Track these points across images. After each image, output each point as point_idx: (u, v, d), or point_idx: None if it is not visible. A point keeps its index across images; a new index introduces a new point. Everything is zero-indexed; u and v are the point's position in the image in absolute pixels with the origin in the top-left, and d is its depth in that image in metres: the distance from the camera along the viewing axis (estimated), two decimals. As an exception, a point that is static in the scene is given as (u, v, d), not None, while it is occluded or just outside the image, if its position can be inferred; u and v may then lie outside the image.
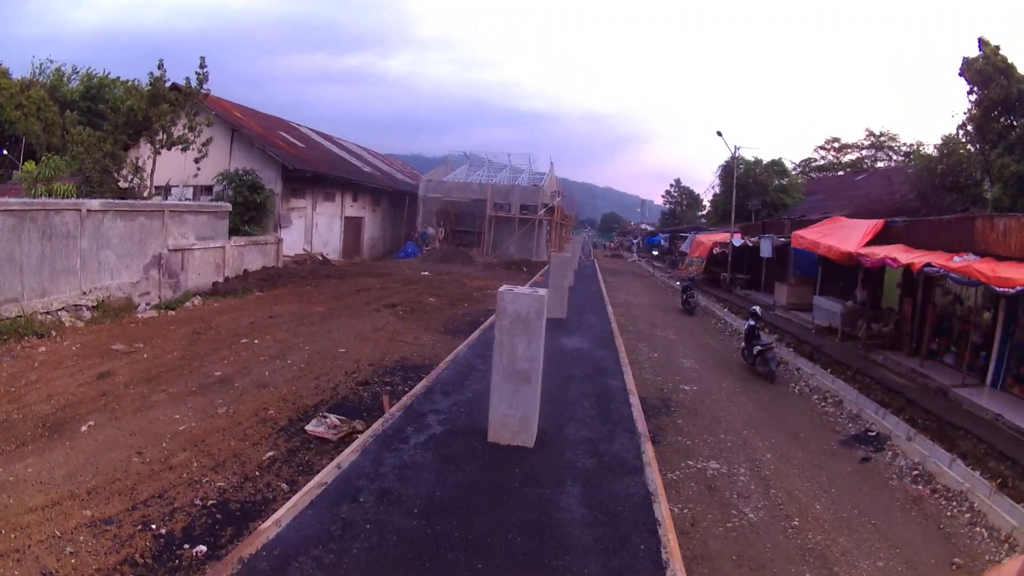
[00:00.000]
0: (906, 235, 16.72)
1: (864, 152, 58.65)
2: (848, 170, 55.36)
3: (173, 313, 16.89)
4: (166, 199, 26.10)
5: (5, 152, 38.46)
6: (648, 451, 7.47)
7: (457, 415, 8.34)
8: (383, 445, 7.07)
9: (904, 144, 54.99)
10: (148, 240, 18.45)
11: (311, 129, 44.65)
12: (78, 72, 54.88)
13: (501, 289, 7.18)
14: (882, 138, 57.04)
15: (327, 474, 6.26)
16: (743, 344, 16.35)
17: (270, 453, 8.01)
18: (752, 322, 16.03)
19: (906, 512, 8.56)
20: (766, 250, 25.97)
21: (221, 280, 21.56)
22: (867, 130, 57.30)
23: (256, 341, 13.74)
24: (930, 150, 41.52)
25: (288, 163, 29.23)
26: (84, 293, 16.00)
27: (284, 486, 7.15)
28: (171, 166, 25.82)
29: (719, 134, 34.39)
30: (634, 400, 9.78)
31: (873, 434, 11.44)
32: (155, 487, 6.87)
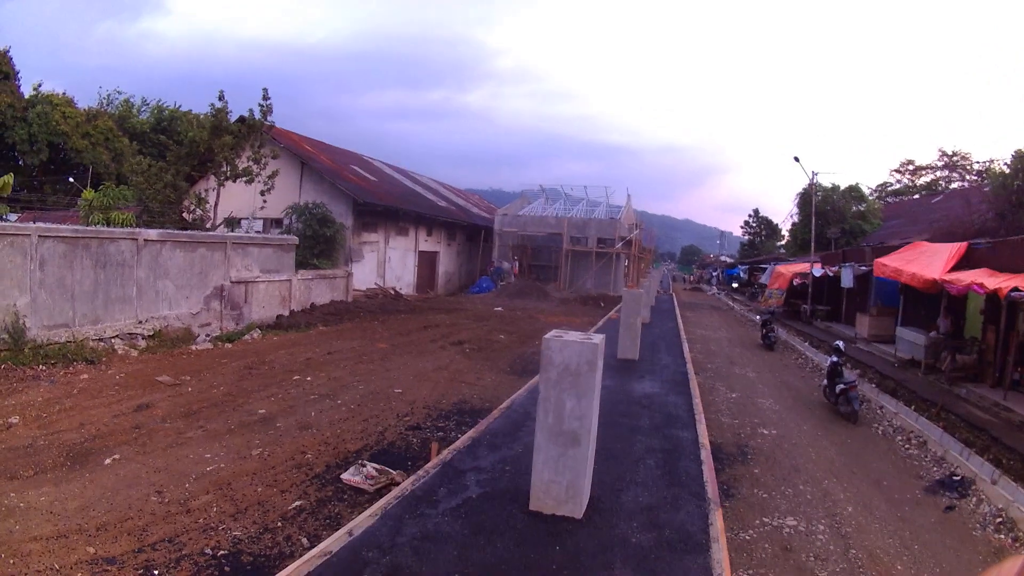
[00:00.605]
0: (990, 258, 15.51)
1: (938, 173, 56.64)
2: (923, 193, 53.40)
3: (230, 346, 16.08)
4: (232, 231, 25.74)
5: (72, 180, 38.99)
6: (717, 522, 6.19)
7: (500, 475, 7.16)
8: (407, 509, 6.00)
9: (977, 162, 53.21)
10: (209, 271, 18.07)
11: (384, 163, 44.43)
12: (148, 104, 56.02)
13: (548, 336, 6.02)
14: (955, 157, 54.89)
15: (335, 541, 5.22)
16: (825, 382, 14.91)
17: (298, 503, 6.91)
18: (835, 358, 14.57)
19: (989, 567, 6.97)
20: (847, 280, 24.58)
21: (286, 313, 20.87)
22: (940, 150, 55.45)
23: (309, 378, 12.75)
24: (1002, 167, 39.34)
25: (359, 196, 28.57)
26: (140, 322, 15.82)
27: (305, 540, 6.14)
28: (240, 199, 25.61)
29: (796, 160, 32.60)
30: (705, 456, 8.51)
31: (958, 478, 10.37)
32: (167, 530, 6.21)
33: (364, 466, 7.71)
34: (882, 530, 8.18)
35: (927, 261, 17.31)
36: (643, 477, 7.41)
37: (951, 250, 16.83)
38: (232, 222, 27.80)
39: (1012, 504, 8.91)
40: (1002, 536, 8.30)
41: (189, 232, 18.51)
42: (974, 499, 9.51)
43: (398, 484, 6.93)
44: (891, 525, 8.35)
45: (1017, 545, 8.03)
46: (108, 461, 7.74)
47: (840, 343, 15.23)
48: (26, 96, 43.48)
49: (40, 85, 44.56)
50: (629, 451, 8.37)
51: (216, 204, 22.38)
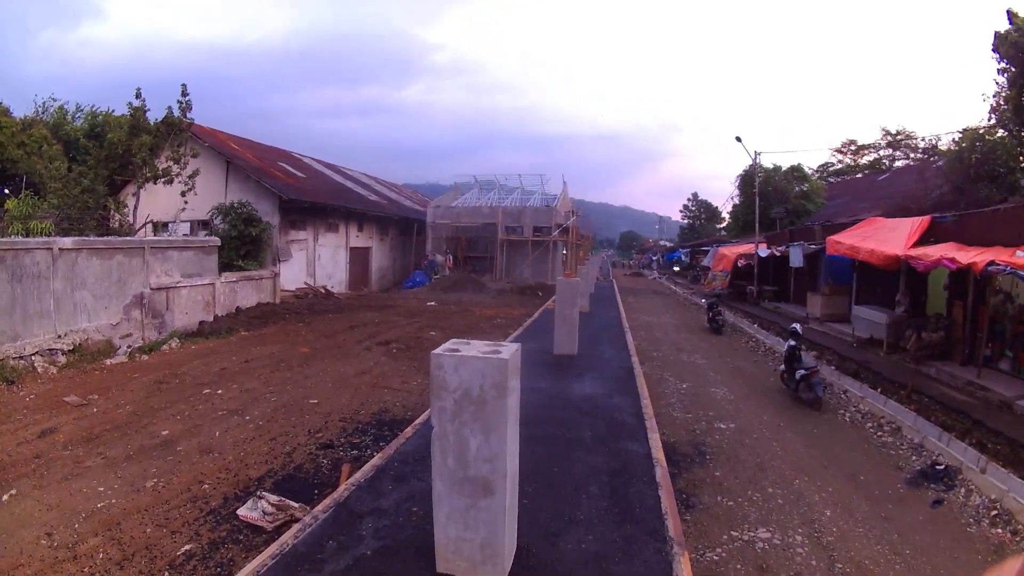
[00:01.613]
0: (956, 231, 15.19)
1: (882, 152, 57.62)
2: (867, 172, 54.40)
3: (147, 358, 15.56)
4: (156, 235, 25.07)
5: (7, 191, 37.75)
6: (685, 572, 4.98)
7: (405, 520, 5.71)
8: (284, 573, 4.85)
9: (922, 139, 54.05)
10: (128, 279, 17.46)
11: (314, 159, 43.70)
12: (82, 110, 54.39)
13: (438, 351, 4.51)
14: (899, 136, 55.88)
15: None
16: (783, 367, 14.51)
17: (188, 546, 6.47)
18: (792, 342, 14.18)
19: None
20: (796, 259, 24.51)
21: (211, 319, 20.33)
22: (883, 129, 56.45)
23: (220, 391, 12.29)
24: (946, 144, 40.40)
25: (284, 194, 27.99)
26: (59, 336, 15.17)
27: (188, 598, 5.68)
28: (166, 202, 24.96)
29: (738, 139, 33.01)
30: (662, 476, 6.99)
31: (941, 467, 9.78)
32: None
33: (262, 498, 7.22)
34: (867, 535, 7.68)
35: (885, 236, 17.14)
36: (587, 512, 5.97)
37: (912, 225, 16.56)
38: (157, 226, 27.13)
39: (1007, 494, 8.46)
40: (1000, 531, 7.87)
41: (105, 239, 17.80)
42: (963, 490, 9.07)
43: (297, 520, 6.47)
44: (876, 528, 7.86)
45: (1018, 540, 7.63)
46: (5, 498, 7.40)
47: (797, 325, 14.85)
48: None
49: (-28, 95, 43.11)
50: (568, 475, 6.91)
51: (136, 207, 21.73)
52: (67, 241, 15.84)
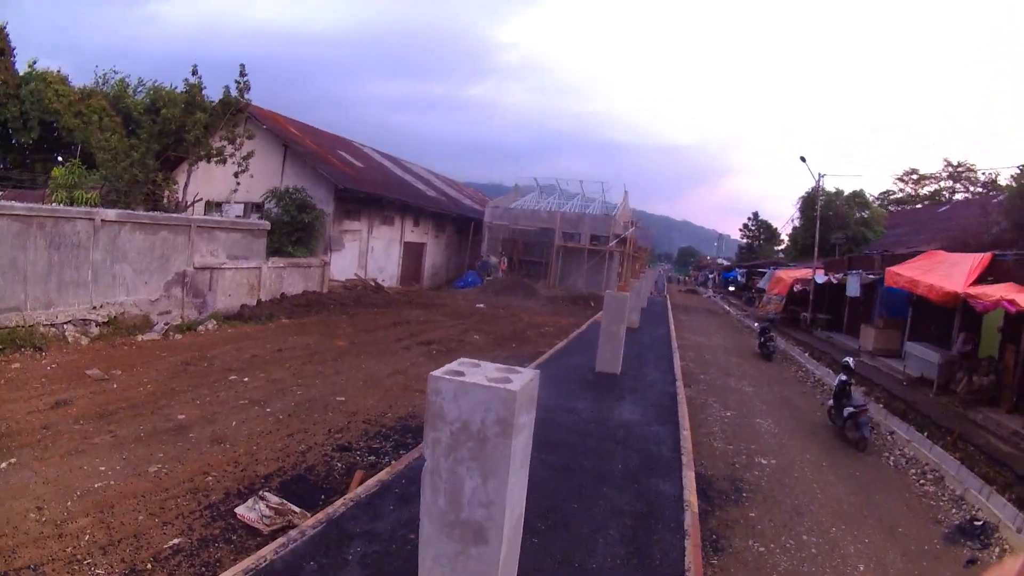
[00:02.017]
0: (1015, 271, 14.39)
1: (942, 184, 56.54)
2: (927, 202, 53.35)
3: (180, 337, 15.13)
4: (209, 215, 24.76)
5: (61, 159, 37.98)
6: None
7: (398, 549, 5.21)
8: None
9: (983, 173, 53.32)
10: (171, 256, 17.17)
11: (374, 149, 43.30)
12: (144, 84, 54.81)
13: (438, 373, 3.89)
14: (959, 168, 54.98)
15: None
16: (831, 402, 13.56)
17: (176, 540, 5.84)
18: (843, 377, 13.21)
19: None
20: (853, 288, 23.32)
21: (254, 303, 19.88)
22: (945, 160, 55.33)
23: (246, 379, 11.66)
24: (1006, 179, 38.56)
25: (339, 182, 27.45)
26: (95, 307, 14.94)
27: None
28: (222, 183, 24.71)
29: (803, 159, 31.29)
30: (691, 523, 6.33)
31: (979, 524, 9.02)
32: (32, 556, 5.39)
33: (263, 499, 6.55)
34: (898, 596, 6.93)
35: (945, 272, 16.26)
36: (600, 560, 5.36)
37: (973, 261, 15.78)
38: (211, 205, 26.93)
39: (1041, 561, 7.60)
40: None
41: (150, 214, 17.46)
42: (997, 550, 8.38)
43: (294, 526, 5.80)
44: None
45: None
46: (3, 465, 7.01)
47: (850, 360, 14.01)
48: (20, 73, 42.41)
49: (35, 63, 43.45)
50: (588, 514, 6.28)
51: (187, 185, 21.40)
52: (110, 213, 15.55)
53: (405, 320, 21.17)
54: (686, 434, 9.61)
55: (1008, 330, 14.63)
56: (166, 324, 16.05)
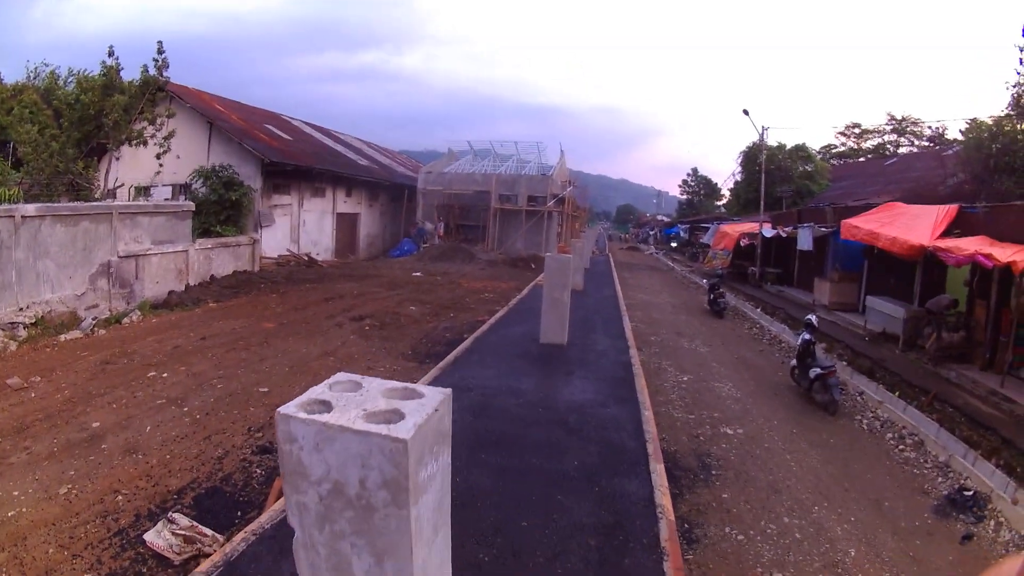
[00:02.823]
0: (986, 224, 14.16)
1: (886, 138, 56.99)
2: (870, 156, 53.82)
3: (104, 333, 14.73)
4: (133, 200, 24.14)
5: None
6: None
7: None
8: None
9: (929, 127, 53.54)
10: (94, 247, 16.74)
11: (305, 122, 42.42)
12: (74, 74, 53.06)
13: (288, 409, 2.53)
14: (903, 122, 55.21)
15: None
16: (794, 362, 13.33)
17: None
18: (807, 335, 12.89)
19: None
20: (805, 241, 23.36)
21: (182, 288, 19.55)
22: (889, 114, 55.79)
23: (165, 375, 11.39)
24: (953, 133, 39.24)
25: (266, 156, 26.86)
26: (21, 309, 14.55)
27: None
28: (148, 166, 24.11)
29: (746, 112, 31.36)
30: (668, 535, 5.29)
31: (970, 493, 8.78)
32: None
33: (172, 522, 6.27)
34: (897, 582, 6.70)
35: (906, 224, 16.05)
36: None
37: (938, 213, 15.54)
38: (140, 191, 26.29)
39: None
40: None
41: (70, 204, 17.06)
42: (992, 522, 8.10)
43: (205, 556, 5.55)
44: (906, 572, 6.85)
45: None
46: None
47: (813, 317, 13.62)
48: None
49: (-41, 64, 41.86)
50: (543, 535, 5.17)
51: (107, 171, 20.87)
52: (29, 208, 15.10)
53: (338, 294, 20.90)
54: (648, 414, 8.50)
55: (979, 286, 14.42)
56: (94, 319, 15.64)
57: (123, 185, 22.69)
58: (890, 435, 11.18)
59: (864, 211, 19.39)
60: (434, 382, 9.15)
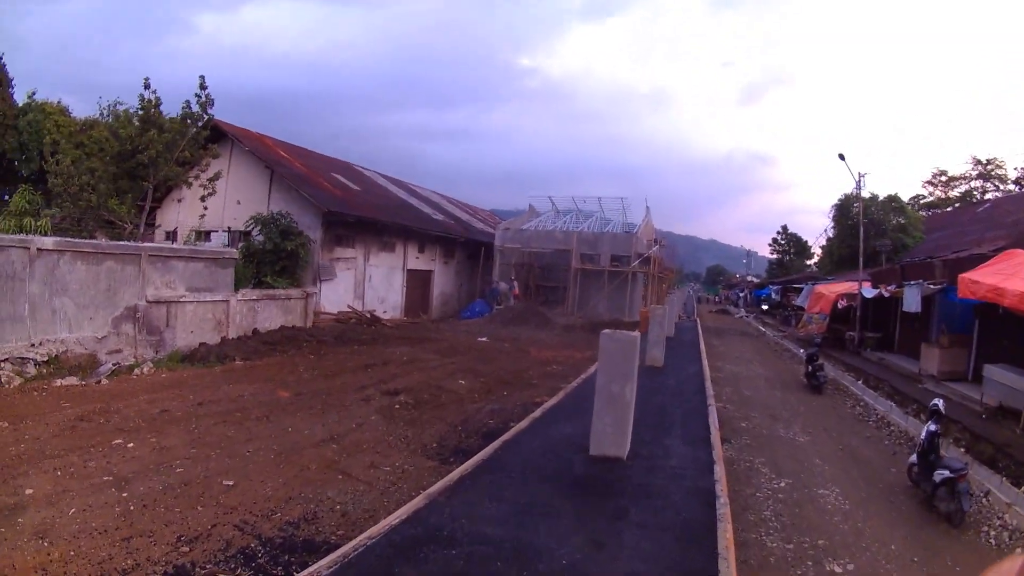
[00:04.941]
0: None
1: (972, 183, 54.39)
2: (957, 204, 50.94)
3: (106, 382, 13.01)
4: (194, 244, 22.80)
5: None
6: None
7: None
8: None
9: (1015, 168, 51.58)
10: (119, 288, 15.53)
11: (380, 174, 41.24)
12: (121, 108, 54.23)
13: None
14: (989, 165, 52.73)
15: None
16: (914, 458, 10.29)
17: None
18: (933, 427, 9.82)
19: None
20: (913, 302, 19.66)
21: (218, 341, 17.64)
22: (973, 158, 53.00)
23: (131, 444, 9.13)
24: None
25: (326, 205, 25.24)
26: (33, 345, 13.61)
27: None
28: (213, 211, 23.79)
29: (841, 157, 27.97)
30: None
31: None
32: None
33: None
34: None
35: None
36: None
37: None
38: (200, 235, 25.26)
39: None
40: None
41: (93, 242, 16.02)
42: None
43: None
44: None
45: None
46: None
47: (939, 402, 10.41)
48: (19, 104, 41.74)
49: (34, 93, 42.63)
50: None
51: (145, 210, 19.51)
52: (47, 241, 14.33)
53: (383, 360, 18.21)
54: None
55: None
56: (114, 365, 14.26)
57: (206, 231, 21.62)
58: (1021, 551, 7.83)
59: (980, 262, 16.33)
60: (407, 522, 6.09)
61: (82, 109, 46.14)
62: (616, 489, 7.63)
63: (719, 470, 8.63)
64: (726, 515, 6.91)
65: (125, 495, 7.34)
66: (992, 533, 8.90)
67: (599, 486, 7.71)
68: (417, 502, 6.73)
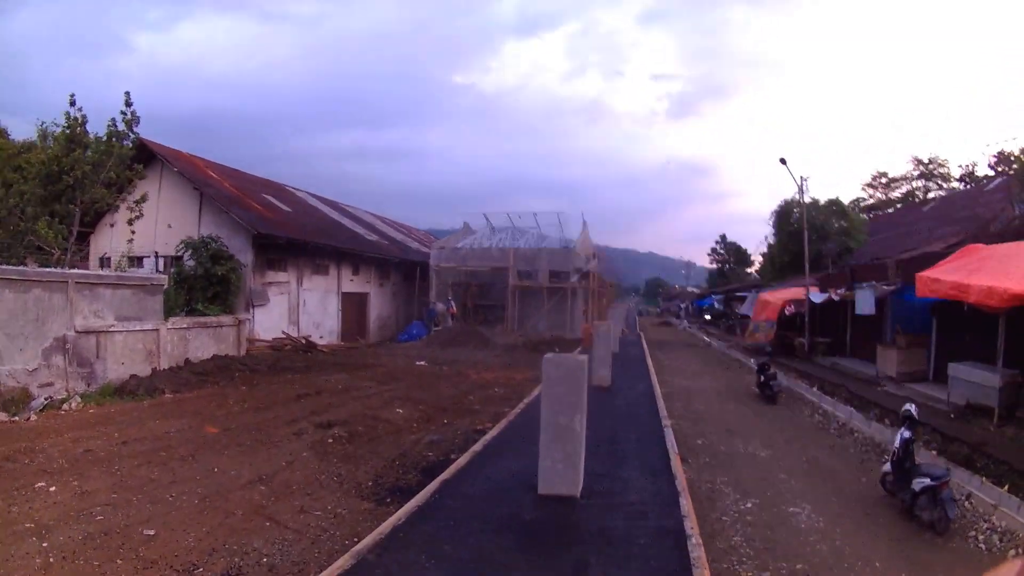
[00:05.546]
0: None
1: (914, 183, 56.03)
2: (899, 205, 52.86)
3: (34, 419, 12.64)
4: (124, 270, 22.08)
5: None
6: None
7: None
8: None
9: (960, 166, 53.51)
10: (48, 318, 15.02)
11: (311, 193, 40.80)
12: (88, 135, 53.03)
13: None
14: (931, 164, 54.29)
15: None
16: (888, 467, 10.05)
17: None
18: (907, 434, 9.58)
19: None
20: (867, 305, 20.08)
21: (149, 372, 17.14)
22: (914, 158, 54.25)
23: (53, 488, 8.70)
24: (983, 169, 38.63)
25: (256, 227, 24.81)
26: None
27: None
28: (142, 235, 23.04)
29: (783, 162, 28.38)
30: None
31: None
32: None
33: None
34: None
35: (1000, 268, 13.17)
36: None
37: None
38: (133, 261, 24.65)
39: None
40: None
41: (18, 268, 15.46)
42: None
43: None
44: None
45: None
46: None
47: (911, 407, 10.11)
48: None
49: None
50: None
51: (73, 235, 18.94)
52: None
53: (316, 390, 17.59)
54: None
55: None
56: (46, 399, 14.04)
57: (144, 255, 21.07)
58: (1014, 553, 8.05)
59: (935, 261, 16.63)
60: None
61: (22, 131, 44.99)
62: (573, 536, 7.15)
63: (685, 504, 8.16)
64: (701, 559, 6.43)
65: (46, 545, 6.97)
66: (980, 537, 8.69)
67: (553, 533, 7.24)
68: (343, 563, 6.19)
